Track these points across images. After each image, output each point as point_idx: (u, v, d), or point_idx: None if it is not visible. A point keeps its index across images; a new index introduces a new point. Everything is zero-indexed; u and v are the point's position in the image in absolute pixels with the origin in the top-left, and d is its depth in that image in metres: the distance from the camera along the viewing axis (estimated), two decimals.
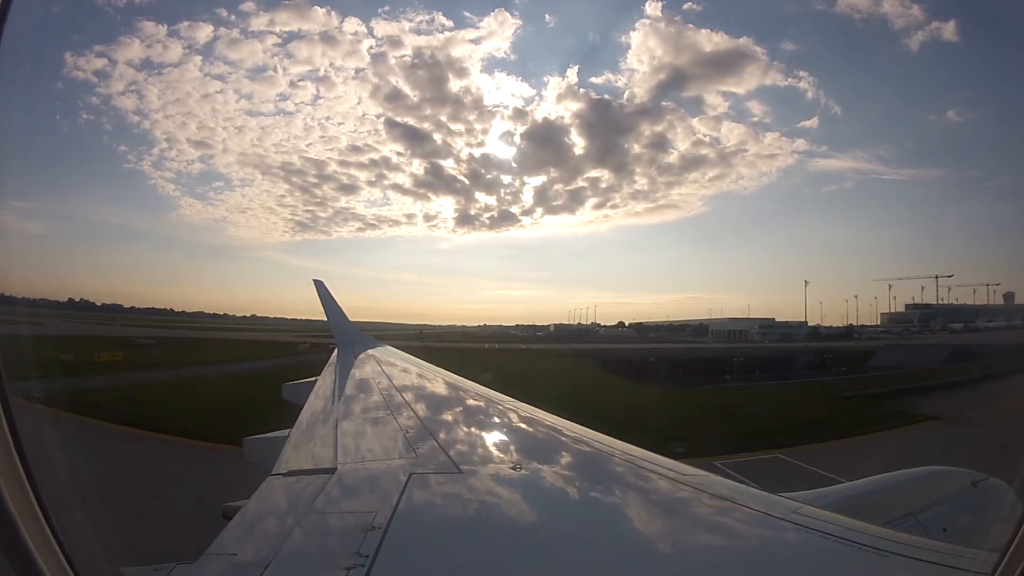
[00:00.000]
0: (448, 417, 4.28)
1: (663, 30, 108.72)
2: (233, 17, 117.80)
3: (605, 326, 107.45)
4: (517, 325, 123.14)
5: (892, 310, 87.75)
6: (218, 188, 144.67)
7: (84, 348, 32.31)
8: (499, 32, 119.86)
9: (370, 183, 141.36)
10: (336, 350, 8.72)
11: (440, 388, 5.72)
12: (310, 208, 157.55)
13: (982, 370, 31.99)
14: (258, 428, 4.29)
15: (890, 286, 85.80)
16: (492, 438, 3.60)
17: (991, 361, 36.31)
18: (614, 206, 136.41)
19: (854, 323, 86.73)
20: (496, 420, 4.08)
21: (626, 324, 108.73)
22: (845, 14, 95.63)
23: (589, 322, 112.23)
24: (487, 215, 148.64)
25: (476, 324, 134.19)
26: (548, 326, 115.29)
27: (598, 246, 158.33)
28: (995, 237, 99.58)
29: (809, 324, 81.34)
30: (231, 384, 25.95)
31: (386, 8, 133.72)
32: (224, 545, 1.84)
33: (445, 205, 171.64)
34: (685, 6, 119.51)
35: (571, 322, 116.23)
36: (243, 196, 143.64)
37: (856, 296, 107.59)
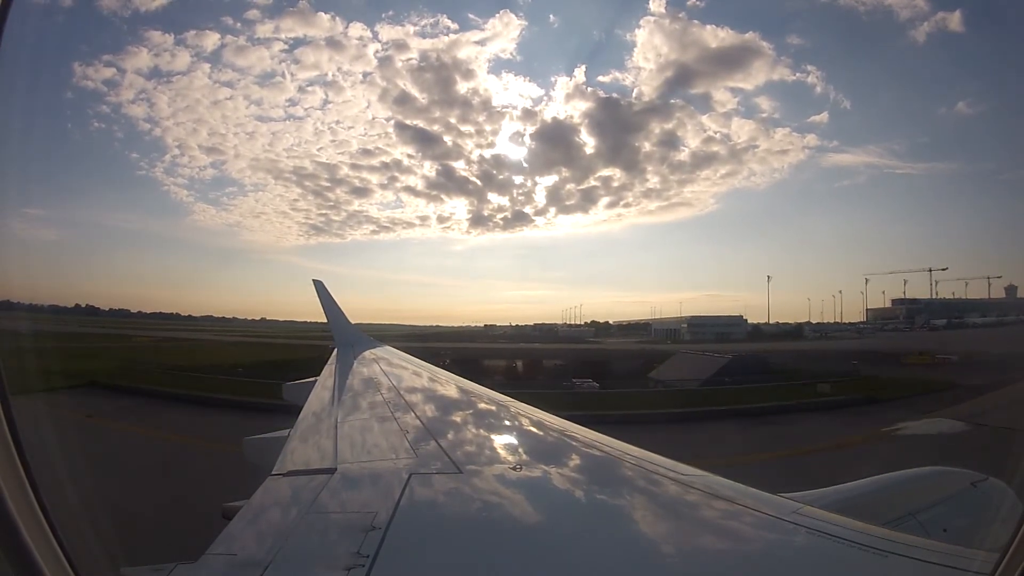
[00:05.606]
0: (449, 417, 4.27)
1: (668, 27, 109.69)
2: (239, 25, 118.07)
3: (569, 326, 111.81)
4: (493, 325, 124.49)
5: (883, 305, 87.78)
6: (231, 193, 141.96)
7: None
8: (504, 33, 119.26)
9: (382, 186, 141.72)
10: (336, 350, 8.64)
11: (440, 388, 5.70)
12: (323, 211, 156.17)
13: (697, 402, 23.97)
14: None
15: (866, 280, 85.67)
16: (493, 439, 3.59)
17: (783, 387, 28.23)
18: (627, 205, 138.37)
19: (851, 320, 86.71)
20: (497, 421, 4.06)
21: (600, 323, 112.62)
22: (849, 6, 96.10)
23: (603, 321, 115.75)
24: (500, 216, 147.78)
25: (484, 324, 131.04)
26: (531, 325, 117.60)
27: (612, 245, 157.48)
28: (1004, 230, 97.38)
29: (783, 322, 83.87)
30: None
31: (390, 13, 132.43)
32: (225, 545, 1.84)
33: (458, 206, 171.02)
34: (689, 2, 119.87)
35: (566, 322, 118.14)
36: (256, 201, 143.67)
37: (840, 291, 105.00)
